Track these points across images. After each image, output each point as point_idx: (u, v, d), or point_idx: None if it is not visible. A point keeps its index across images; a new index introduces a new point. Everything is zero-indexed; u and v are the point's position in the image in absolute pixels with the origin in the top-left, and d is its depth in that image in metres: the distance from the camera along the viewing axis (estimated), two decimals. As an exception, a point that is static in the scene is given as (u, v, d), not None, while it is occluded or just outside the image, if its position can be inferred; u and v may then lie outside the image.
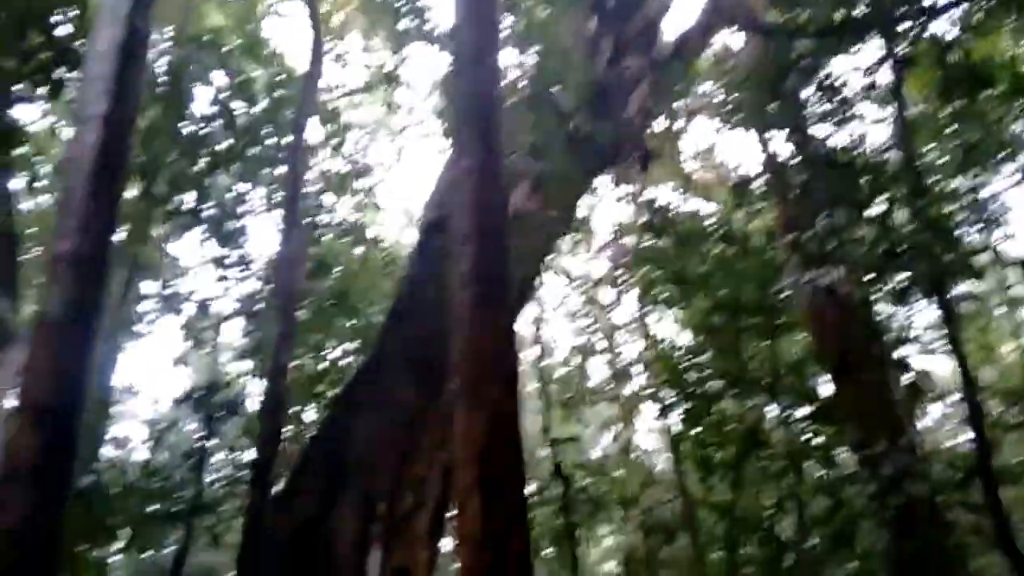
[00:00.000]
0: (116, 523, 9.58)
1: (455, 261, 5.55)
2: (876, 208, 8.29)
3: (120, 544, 9.91)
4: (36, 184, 13.23)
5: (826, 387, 11.20)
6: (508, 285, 5.40)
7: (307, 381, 13.99)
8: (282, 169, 13.22)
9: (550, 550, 17.43)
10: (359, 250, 15.72)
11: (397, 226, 19.94)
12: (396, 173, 31.53)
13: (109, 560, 11.05)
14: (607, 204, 17.94)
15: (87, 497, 9.44)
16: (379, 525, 10.44)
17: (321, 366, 14.59)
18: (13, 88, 9.46)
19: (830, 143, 9.57)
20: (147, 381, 38.53)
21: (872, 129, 10.42)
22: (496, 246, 5.49)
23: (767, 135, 10.42)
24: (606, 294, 18.77)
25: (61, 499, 3.15)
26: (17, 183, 12.02)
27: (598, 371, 19.67)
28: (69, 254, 4.16)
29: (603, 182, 14.67)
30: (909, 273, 8.01)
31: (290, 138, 11.34)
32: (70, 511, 9.36)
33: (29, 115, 14.35)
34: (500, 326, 5.06)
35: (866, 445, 8.11)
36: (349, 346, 14.86)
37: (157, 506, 10.12)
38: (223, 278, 13.75)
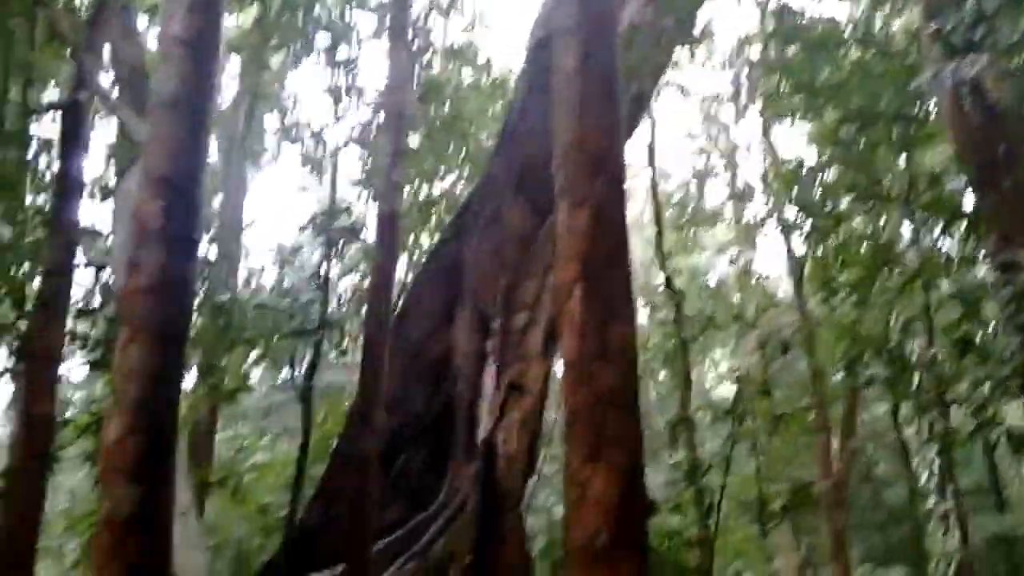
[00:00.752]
0: (252, 336, 10.12)
1: (560, 56, 5.26)
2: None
3: (256, 356, 10.49)
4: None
5: (967, 199, 10.46)
6: (615, 78, 5.10)
7: (421, 207, 14.14)
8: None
9: (663, 374, 17.62)
10: (469, 73, 15.39)
11: (506, 47, 19.32)
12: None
13: (250, 374, 11.80)
14: (730, 11, 16.74)
15: (225, 312, 9.97)
16: (493, 342, 10.73)
17: (434, 192, 14.68)
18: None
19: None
20: (274, 209, 40.45)
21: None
22: (603, 38, 5.16)
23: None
24: (727, 111, 17.87)
25: (187, 257, 3.41)
26: (142, 20, 12.12)
27: (716, 193, 19.06)
28: (178, 35, 4.17)
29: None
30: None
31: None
32: (210, 325, 9.96)
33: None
34: (606, 120, 4.81)
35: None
36: (461, 172, 14.84)
37: (288, 323, 10.59)
38: (337, 106, 13.78)
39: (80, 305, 9.40)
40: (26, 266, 8.95)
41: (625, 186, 4.85)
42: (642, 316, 18.80)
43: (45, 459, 7.23)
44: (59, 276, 7.80)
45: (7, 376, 9.25)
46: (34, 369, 7.15)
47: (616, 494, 3.53)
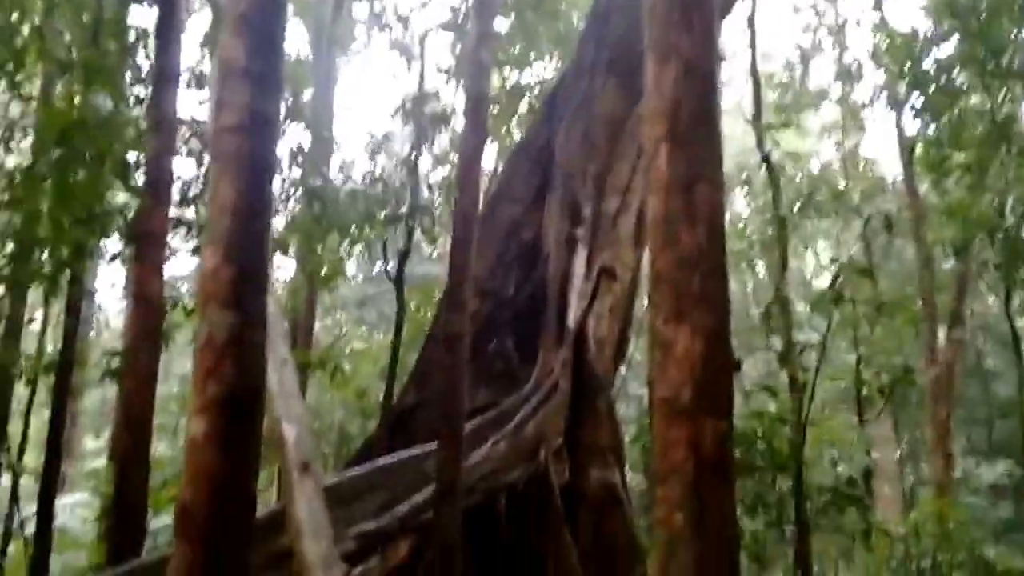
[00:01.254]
0: (346, 223, 10.27)
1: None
2: None
3: (350, 240, 10.65)
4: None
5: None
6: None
7: (511, 93, 13.91)
8: None
9: (761, 265, 17.22)
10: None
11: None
12: None
13: (345, 260, 12.03)
14: None
15: (319, 198, 10.12)
16: (584, 227, 10.62)
17: (524, 79, 14.40)
18: None
19: None
20: (364, 97, 40.94)
21: None
22: None
23: None
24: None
25: (270, 95, 3.56)
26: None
27: (822, 73, 18.06)
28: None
29: None
30: None
31: None
32: (306, 211, 10.13)
33: None
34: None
35: None
36: (551, 57, 14.47)
37: (380, 210, 10.69)
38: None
39: (181, 192, 9.69)
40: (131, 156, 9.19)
41: (717, 42, 4.60)
42: (741, 205, 18.32)
43: (157, 338, 7.52)
44: (160, 162, 7.97)
45: (119, 260, 9.67)
46: (143, 250, 7.40)
47: (700, 353, 3.45)
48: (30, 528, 9.14)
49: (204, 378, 3.17)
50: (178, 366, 17.17)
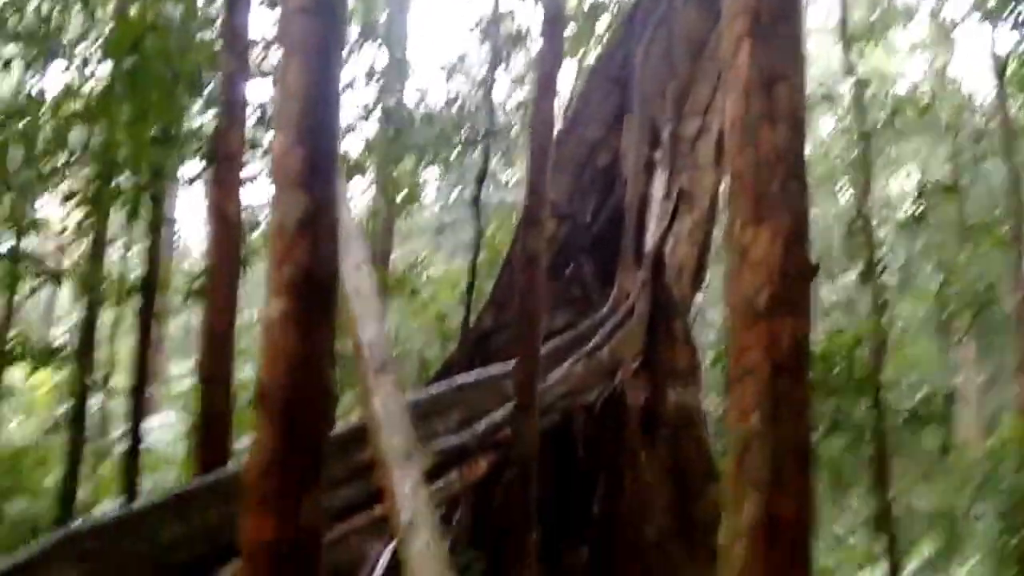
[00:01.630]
0: (422, 144, 10.30)
1: None
2: None
3: (426, 162, 10.69)
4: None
5: None
6: None
7: (588, 14, 13.57)
8: None
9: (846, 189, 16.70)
10: None
11: None
12: None
13: (422, 182, 12.09)
14: None
15: (395, 118, 10.14)
16: (663, 150, 10.42)
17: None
18: None
19: None
20: (440, 18, 40.60)
21: None
22: None
23: None
24: None
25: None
26: None
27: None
28: None
29: None
30: None
31: None
32: (382, 132, 10.15)
33: None
34: None
35: None
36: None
37: (456, 133, 10.67)
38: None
39: (257, 115, 9.78)
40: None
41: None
42: (825, 129, 17.73)
43: (237, 258, 7.59)
44: (234, 83, 7.98)
45: (198, 183, 9.85)
46: (221, 170, 7.45)
47: (778, 255, 3.36)
48: (120, 447, 9.50)
49: (279, 261, 3.17)
50: (258, 295, 17.58)
